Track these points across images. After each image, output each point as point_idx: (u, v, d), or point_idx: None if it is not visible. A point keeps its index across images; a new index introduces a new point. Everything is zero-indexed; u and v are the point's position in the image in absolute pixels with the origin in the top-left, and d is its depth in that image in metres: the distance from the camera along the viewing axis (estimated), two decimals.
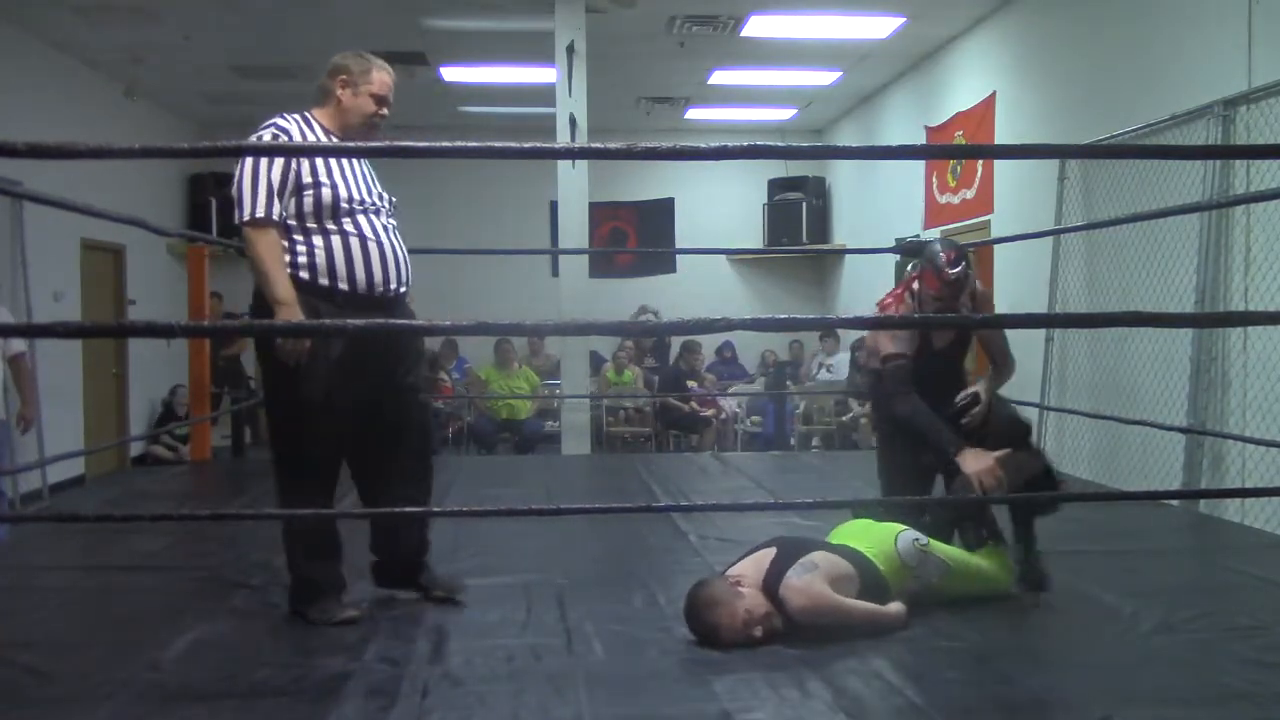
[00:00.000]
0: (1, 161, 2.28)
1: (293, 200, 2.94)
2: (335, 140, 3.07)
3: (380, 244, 3.03)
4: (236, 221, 2.92)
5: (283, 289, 2.88)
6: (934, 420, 3.32)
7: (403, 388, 3.13)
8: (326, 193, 2.95)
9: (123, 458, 9.73)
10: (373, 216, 3.05)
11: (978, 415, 3.39)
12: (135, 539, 4.03)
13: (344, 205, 2.98)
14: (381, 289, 3.03)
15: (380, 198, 3.11)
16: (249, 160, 2.90)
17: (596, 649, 2.81)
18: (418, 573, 3.18)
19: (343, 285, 2.97)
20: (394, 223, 3.14)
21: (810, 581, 2.85)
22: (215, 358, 8.05)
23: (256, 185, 2.87)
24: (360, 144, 3.00)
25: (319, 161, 2.95)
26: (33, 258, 7.62)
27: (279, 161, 2.90)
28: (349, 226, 2.99)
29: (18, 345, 6.13)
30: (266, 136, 2.97)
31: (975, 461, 3.20)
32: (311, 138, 3.02)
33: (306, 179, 2.94)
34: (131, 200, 8.42)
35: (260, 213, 2.88)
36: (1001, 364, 3.57)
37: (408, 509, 3.11)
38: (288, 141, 2.96)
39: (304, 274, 2.95)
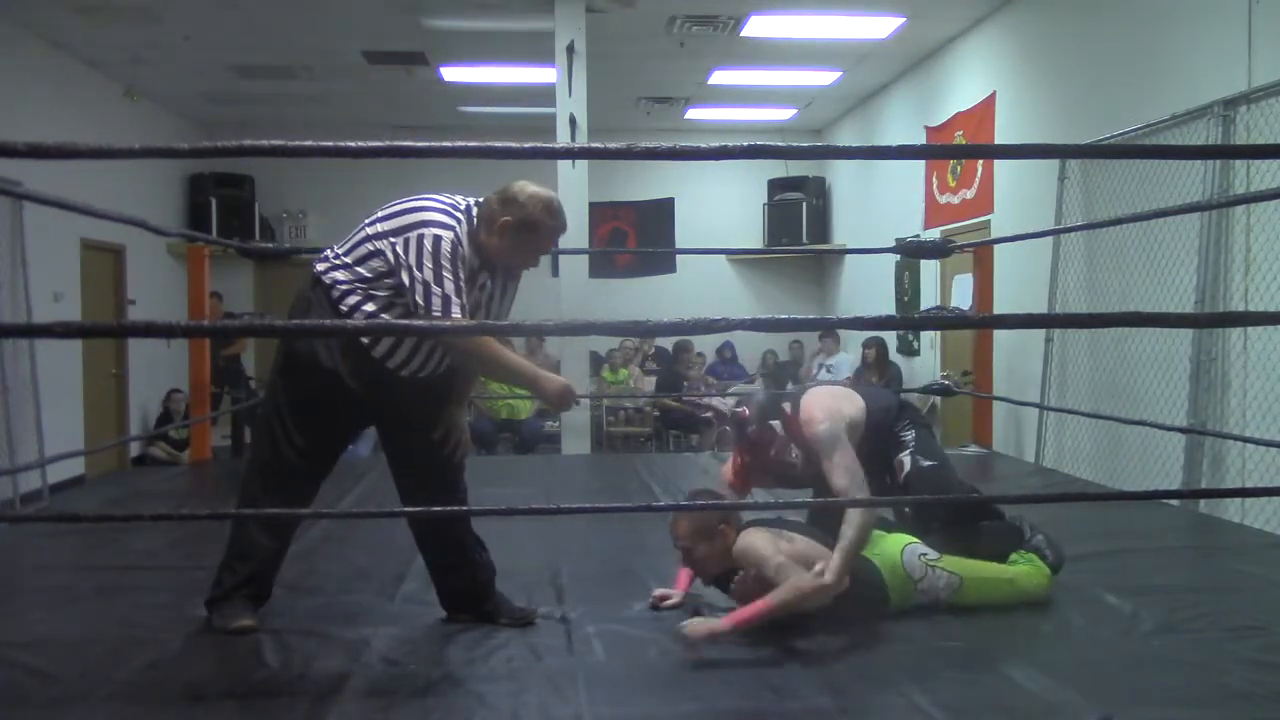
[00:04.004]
0: (1, 161, 2.28)
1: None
2: (484, 258, 2.90)
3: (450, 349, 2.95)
4: (428, 312, 2.75)
5: (532, 370, 2.95)
6: None
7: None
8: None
9: (122, 458, 9.71)
10: None
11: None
12: (135, 539, 4.04)
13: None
14: (426, 374, 2.98)
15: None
16: (439, 252, 2.78)
17: (596, 649, 2.81)
18: (484, 599, 3.07)
19: (403, 373, 2.93)
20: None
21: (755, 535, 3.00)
22: (215, 358, 8.04)
23: (443, 280, 2.77)
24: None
25: (473, 273, 2.88)
26: (33, 258, 7.60)
27: (461, 262, 2.80)
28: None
29: None
30: (446, 244, 2.79)
31: None
32: (464, 249, 2.85)
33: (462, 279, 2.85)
34: (131, 200, 8.41)
35: (461, 312, 2.77)
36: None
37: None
38: (457, 246, 2.82)
39: (375, 353, 2.89)
